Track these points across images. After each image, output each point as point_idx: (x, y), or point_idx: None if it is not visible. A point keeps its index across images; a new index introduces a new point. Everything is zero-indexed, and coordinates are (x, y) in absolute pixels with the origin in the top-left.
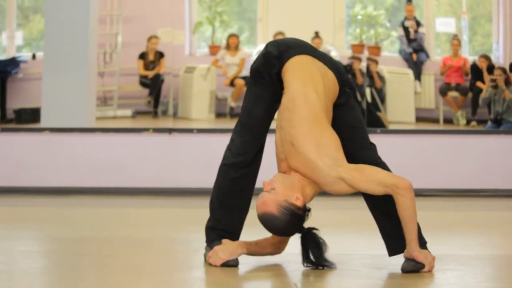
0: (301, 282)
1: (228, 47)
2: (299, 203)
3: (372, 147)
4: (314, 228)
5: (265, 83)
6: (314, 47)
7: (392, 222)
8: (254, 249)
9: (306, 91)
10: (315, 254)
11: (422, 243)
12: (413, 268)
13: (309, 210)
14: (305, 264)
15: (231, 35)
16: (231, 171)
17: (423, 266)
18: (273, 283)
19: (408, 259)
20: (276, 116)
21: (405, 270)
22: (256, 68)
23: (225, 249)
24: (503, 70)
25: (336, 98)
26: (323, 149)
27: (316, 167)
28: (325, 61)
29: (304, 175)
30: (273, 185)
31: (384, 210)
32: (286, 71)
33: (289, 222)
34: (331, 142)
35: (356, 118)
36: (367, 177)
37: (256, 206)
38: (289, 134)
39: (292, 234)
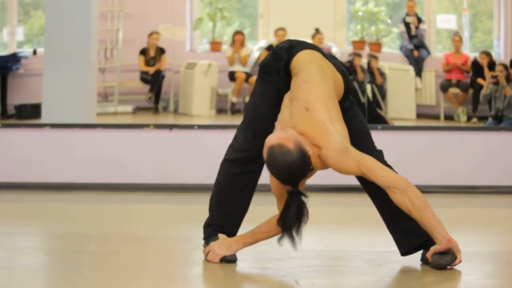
0: (301, 279)
1: (233, 43)
2: (310, 153)
3: (379, 150)
4: (304, 194)
5: (271, 80)
6: (323, 51)
7: (405, 215)
8: (251, 240)
9: (322, 74)
10: (291, 218)
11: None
12: (451, 261)
13: (312, 169)
14: (279, 223)
15: (237, 32)
16: (232, 166)
17: (455, 258)
18: (273, 279)
19: (439, 254)
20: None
21: (444, 264)
22: (265, 63)
23: (221, 244)
24: (504, 66)
25: (340, 99)
26: (334, 122)
27: (328, 131)
28: (334, 63)
29: (312, 140)
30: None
31: (393, 204)
32: (297, 60)
33: (299, 161)
34: (341, 122)
35: (362, 124)
36: (372, 159)
37: (268, 139)
38: (305, 101)
39: (292, 180)
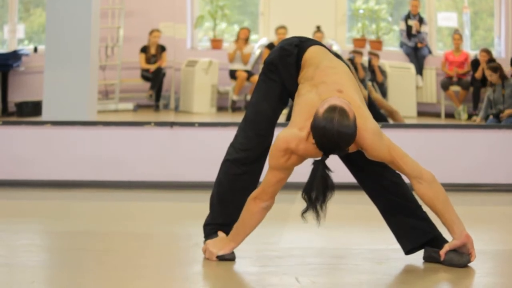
0: (302, 276)
1: (238, 39)
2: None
3: None
4: (330, 169)
5: (276, 78)
6: (330, 49)
7: (408, 214)
8: (239, 238)
9: (342, 63)
10: (317, 190)
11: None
12: (468, 261)
13: (347, 150)
14: (302, 195)
15: (243, 28)
16: (233, 167)
17: (470, 257)
18: (273, 277)
19: (457, 253)
20: (305, 85)
21: (462, 264)
22: (271, 59)
23: (215, 243)
24: (493, 69)
25: None
26: (365, 106)
27: (364, 113)
28: (343, 61)
29: None
30: None
31: (395, 203)
32: (312, 52)
33: (352, 134)
34: (367, 107)
35: None
36: (401, 148)
37: (327, 101)
38: (336, 83)
39: (332, 148)
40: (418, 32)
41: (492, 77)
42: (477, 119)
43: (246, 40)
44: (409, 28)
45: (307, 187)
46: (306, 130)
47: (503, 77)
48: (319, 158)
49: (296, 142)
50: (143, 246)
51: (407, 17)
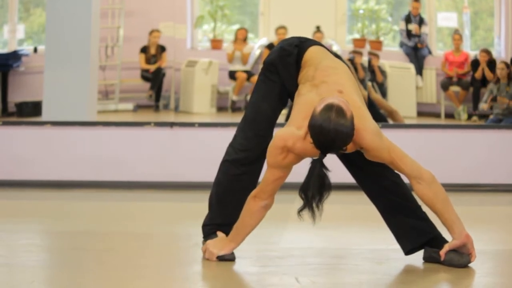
0: (302, 276)
1: (236, 40)
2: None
3: None
4: (326, 167)
5: (275, 79)
6: (329, 49)
7: (408, 214)
8: (239, 238)
9: (343, 63)
10: (313, 189)
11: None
12: (468, 261)
13: (345, 149)
14: (299, 193)
15: (240, 29)
16: (232, 167)
17: (469, 256)
18: (273, 277)
19: (457, 253)
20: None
21: (463, 264)
22: (271, 60)
23: (215, 243)
24: (506, 64)
25: None
26: (365, 107)
27: (364, 114)
28: (343, 62)
29: None
30: None
31: (394, 203)
32: (311, 53)
33: (349, 133)
34: (367, 108)
35: None
36: (401, 149)
37: (325, 99)
38: (337, 84)
39: (328, 146)
40: (418, 35)
41: (503, 71)
42: (485, 105)
43: (244, 40)
44: (408, 29)
45: (304, 185)
46: (304, 129)
47: (510, 75)
48: (317, 157)
49: (293, 140)
50: (143, 246)
51: (408, 18)
